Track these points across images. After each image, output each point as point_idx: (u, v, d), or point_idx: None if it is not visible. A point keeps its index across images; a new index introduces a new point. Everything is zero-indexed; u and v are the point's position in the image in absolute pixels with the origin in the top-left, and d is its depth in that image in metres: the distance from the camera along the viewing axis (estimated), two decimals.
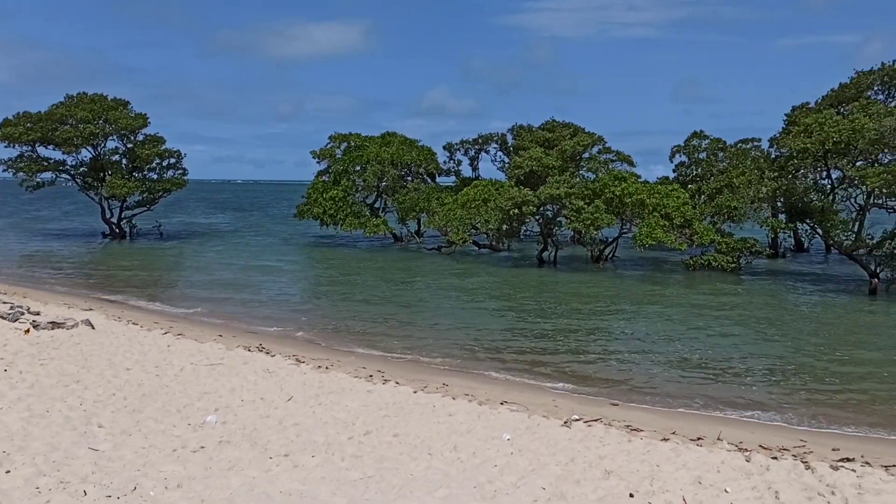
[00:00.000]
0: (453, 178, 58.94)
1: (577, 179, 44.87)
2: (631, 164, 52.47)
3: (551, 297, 29.17)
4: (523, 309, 26.50)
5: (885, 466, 10.46)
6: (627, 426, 12.65)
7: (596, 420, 12.94)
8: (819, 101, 45.26)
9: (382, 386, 14.86)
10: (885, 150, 33.82)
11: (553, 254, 42.01)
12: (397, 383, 15.24)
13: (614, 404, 15.04)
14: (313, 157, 55.88)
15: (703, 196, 44.73)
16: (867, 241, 35.02)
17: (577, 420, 12.86)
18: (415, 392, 14.43)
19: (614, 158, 53.13)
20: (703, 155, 48.11)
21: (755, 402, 15.17)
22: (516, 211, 40.73)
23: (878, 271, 32.02)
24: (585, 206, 38.96)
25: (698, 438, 11.89)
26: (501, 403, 13.92)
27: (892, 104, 40.91)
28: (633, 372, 17.77)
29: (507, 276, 36.20)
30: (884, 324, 24.65)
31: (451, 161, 59.90)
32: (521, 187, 42.84)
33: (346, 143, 55.55)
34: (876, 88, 43.45)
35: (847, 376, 17.15)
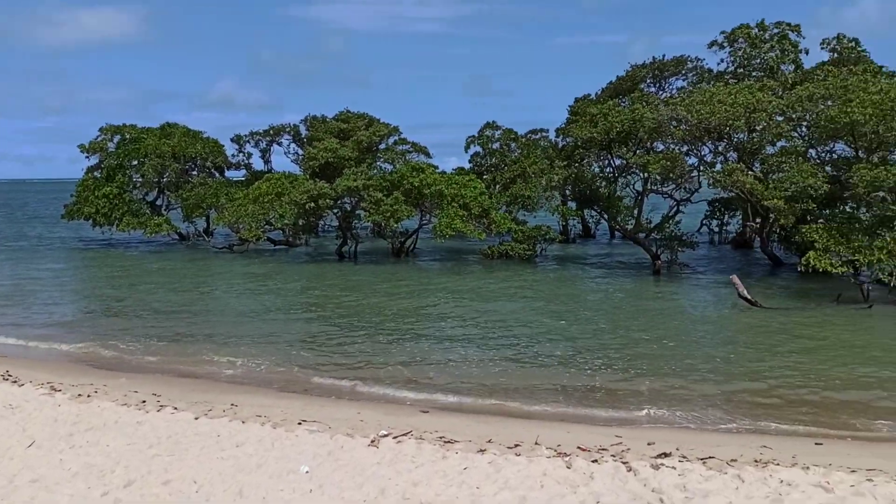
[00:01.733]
0: (244, 171, 55.59)
1: (375, 171, 43.84)
2: (427, 154, 52.26)
3: (353, 294, 27.70)
4: (323, 309, 24.84)
5: (702, 459, 10.09)
6: (441, 438, 11.49)
7: (406, 434, 11.66)
8: (599, 92, 47.51)
9: (157, 414, 12.61)
10: (660, 139, 35.85)
11: (353, 248, 40.62)
12: (175, 409, 13.03)
13: (424, 412, 13.88)
14: (82, 152, 50.13)
15: (497, 185, 45.34)
16: (646, 225, 37.19)
17: (385, 436, 11.51)
18: (196, 418, 12.36)
19: (411, 150, 52.67)
20: (496, 145, 48.80)
21: (568, 398, 14.71)
22: (312, 205, 38.85)
23: (658, 253, 33.86)
24: (384, 197, 37.91)
25: (516, 445, 10.98)
26: (299, 423, 12.23)
27: (664, 95, 43.73)
28: (441, 373, 16.77)
29: (306, 273, 34.27)
30: (673, 306, 25.76)
31: (241, 154, 56.38)
32: (317, 180, 41.04)
33: (119, 136, 50.41)
34: (648, 81, 46.34)
35: (648, 363, 17.27)
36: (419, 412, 13.81)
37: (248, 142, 56.68)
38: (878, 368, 16.27)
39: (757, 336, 20.04)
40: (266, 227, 41.68)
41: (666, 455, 10.34)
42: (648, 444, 11.11)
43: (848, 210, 29.14)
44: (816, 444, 11.23)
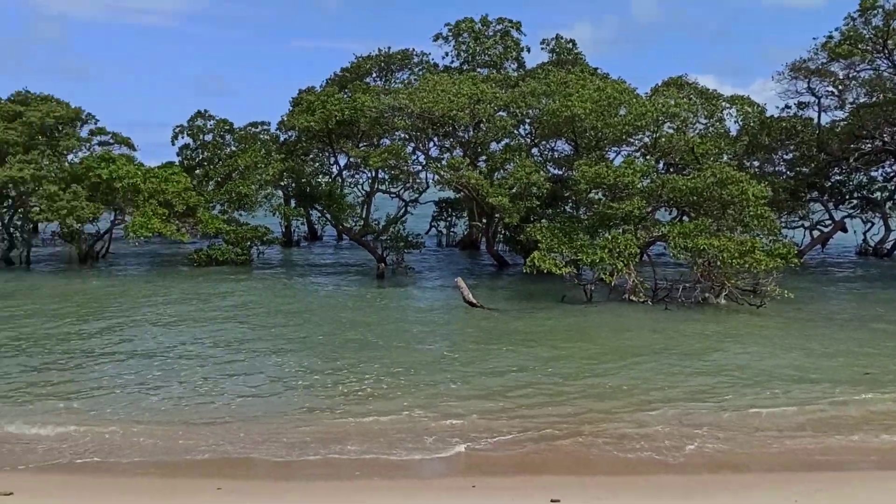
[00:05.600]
0: None
1: (48, 161, 36.72)
2: (131, 147, 45.47)
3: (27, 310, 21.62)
4: None
5: None
6: None
7: None
8: (324, 84, 44.33)
9: None
10: (385, 133, 33.44)
11: (24, 253, 33.39)
12: None
13: None
14: None
15: (211, 182, 40.28)
16: (374, 226, 34.60)
17: None
18: None
19: (112, 141, 45.64)
20: (209, 137, 43.53)
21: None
22: None
23: (384, 255, 31.38)
24: (61, 191, 31.35)
25: None
26: None
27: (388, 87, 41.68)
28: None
29: None
30: (394, 311, 23.06)
31: None
32: None
33: None
34: (375, 74, 44.09)
35: (364, 371, 14.03)
36: None
37: None
38: (618, 370, 14.56)
39: (479, 341, 17.96)
40: None
41: None
42: None
43: (568, 210, 28.66)
44: (553, 500, 8.46)
